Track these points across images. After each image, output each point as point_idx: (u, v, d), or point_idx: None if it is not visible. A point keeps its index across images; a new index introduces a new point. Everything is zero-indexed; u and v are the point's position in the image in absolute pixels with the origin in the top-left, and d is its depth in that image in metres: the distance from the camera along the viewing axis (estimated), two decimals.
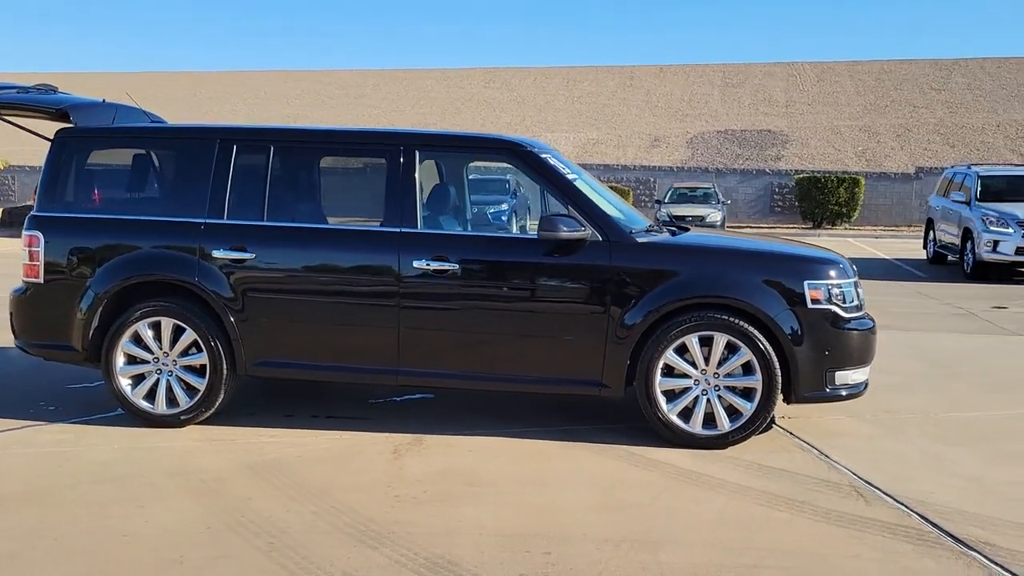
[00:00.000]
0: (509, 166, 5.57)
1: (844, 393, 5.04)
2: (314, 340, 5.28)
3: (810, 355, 4.88)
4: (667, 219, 22.53)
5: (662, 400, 4.98)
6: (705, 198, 25.05)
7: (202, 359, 5.28)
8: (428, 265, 5.05)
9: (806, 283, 4.91)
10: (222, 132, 5.50)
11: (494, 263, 5.14)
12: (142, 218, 5.44)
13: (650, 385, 4.96)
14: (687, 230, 5.94)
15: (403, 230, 5.13)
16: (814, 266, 5.04)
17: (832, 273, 5.01)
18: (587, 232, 4.97)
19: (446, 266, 5.04)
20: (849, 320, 4.97)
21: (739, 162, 40.04)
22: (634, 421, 5.47)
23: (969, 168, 16.85)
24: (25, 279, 5.52)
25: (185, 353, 5.31)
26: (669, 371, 4.98)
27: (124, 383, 5.34)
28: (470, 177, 6.64)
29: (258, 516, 3.99)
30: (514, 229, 5.58)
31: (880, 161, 38.43)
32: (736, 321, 4.87)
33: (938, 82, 56.40)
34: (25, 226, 5.53)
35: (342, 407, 5.88)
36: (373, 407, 5.90)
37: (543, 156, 5.27)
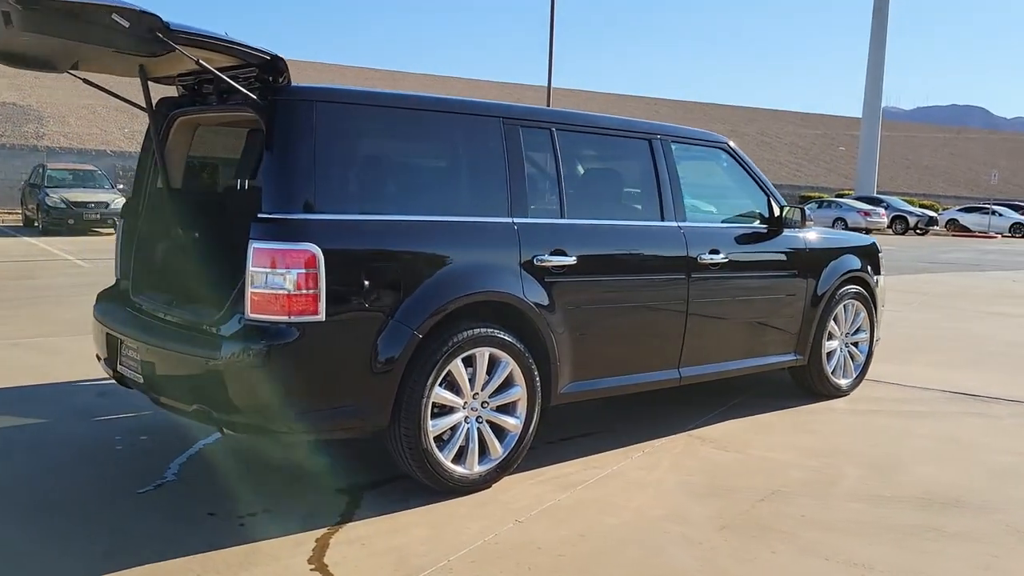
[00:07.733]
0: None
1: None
2: (621, 351, 4.64)
3: (880, 309, 6.38)
4: (64, 205, 19.59)
5: (826, 360, 5.90)
6: (98, 181, 22.12)
7: (515, 394, 4.18)
8: (712, 259, 4.98)
9: (879, 256, 6.37)
10: (503, 110, 4.26)
11: (750, 252, 5.29)
12: (446, 219, 3.93)
13: (822, 349, 5.83)
14: None
15: (682, 224, 4.90)
16: (877, 245, 6.49)
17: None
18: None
19: (718, 259, 5.03)
20: None
21: None
22: (738, 395, 6.15)
23: None
24: (281, 319, 3.46)
25: (497, 390, 4.14)
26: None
27: (432, 445, 3.90)
28: None
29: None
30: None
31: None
32: (862, 290, 6.08)
33: None
34: (272, 235, 3.45)
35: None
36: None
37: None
